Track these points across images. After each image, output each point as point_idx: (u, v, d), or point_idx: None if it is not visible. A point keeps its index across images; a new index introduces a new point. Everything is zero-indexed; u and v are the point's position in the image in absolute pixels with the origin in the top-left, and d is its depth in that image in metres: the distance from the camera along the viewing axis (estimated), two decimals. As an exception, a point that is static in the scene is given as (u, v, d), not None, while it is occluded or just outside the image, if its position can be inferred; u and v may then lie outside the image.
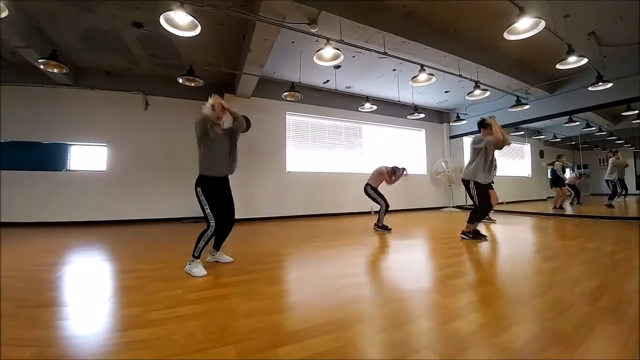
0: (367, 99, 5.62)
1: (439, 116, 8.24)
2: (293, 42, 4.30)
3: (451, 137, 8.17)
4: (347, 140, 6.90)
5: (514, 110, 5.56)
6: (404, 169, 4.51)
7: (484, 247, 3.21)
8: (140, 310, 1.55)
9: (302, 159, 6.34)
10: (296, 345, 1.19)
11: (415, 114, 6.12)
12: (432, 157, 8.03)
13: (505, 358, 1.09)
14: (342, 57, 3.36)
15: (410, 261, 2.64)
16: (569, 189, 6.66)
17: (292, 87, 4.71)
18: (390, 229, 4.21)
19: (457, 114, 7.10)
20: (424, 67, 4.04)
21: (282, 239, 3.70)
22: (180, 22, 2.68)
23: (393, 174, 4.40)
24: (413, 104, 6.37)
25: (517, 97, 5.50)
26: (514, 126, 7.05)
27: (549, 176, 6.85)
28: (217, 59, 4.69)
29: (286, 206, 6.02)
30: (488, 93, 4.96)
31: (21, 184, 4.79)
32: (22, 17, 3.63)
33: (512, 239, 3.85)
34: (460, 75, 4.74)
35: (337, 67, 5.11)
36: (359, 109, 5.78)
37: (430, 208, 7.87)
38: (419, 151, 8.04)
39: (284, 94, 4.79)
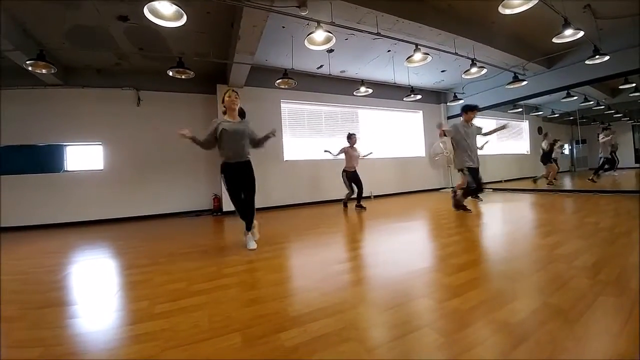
0: (362, 82, 5.52)
1: (436, 97, 8.12)
2: (284, 27, 4.18)
3: (449, 117, 8.08)
4: (343, 125, 6.82)
5: (512, 87, 5.47)
6: (353, 134, 5.00)
7: (483, 225, 3.24)
8: (146, 304, 1.58)
9: (300, 147, 6.29)
10: (299, 329, 1.21)
11: (412, 95, 6.02)
12: (430, 138, 7.96)
13: (506, 333, 1.11)
14: (334, 40, 3.27)
15: (410, 243, 2.67)
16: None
17: (285, 74, 4.61)
18: (364, 208, 4.94)
19: (455, 93, 6.99)
20: (419, 47, 3.94)
21: (282, 228, 3.72)
22: (165, 12, 2.59)
23: (350, 145, 4.91)
24: (409, 85, 6.26)
25: (515, 73, 5.39)
26: (512, 103, 6.96)
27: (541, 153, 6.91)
28: (207, 49, 4.58)
29: (286, 195, 6.03)
30: (485, 70, 4.87)
31: (21, 188, 4.79)
32: (7, 19, 3.51)
33: (511, 216, 3.87)
34: (455, 53, 4.62)
35: (330, 50, 4.99)
36: (355, 93, 5.68)
37: (429, 190, 7.88)
38: (417, 133, 7.97)
39: (277, 81, 4.70)
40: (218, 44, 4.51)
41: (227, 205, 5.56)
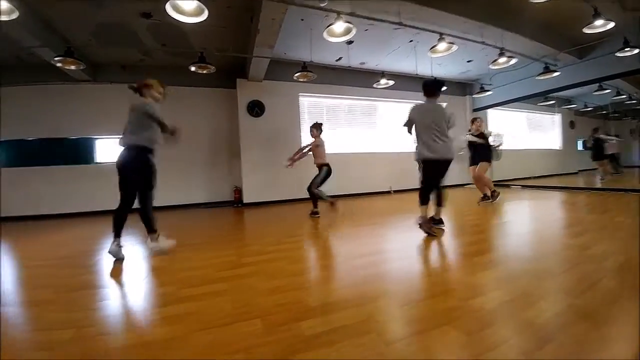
0: (383, 74, 5.38)
1: (461, 88, 7.78)
2: (302, 20, 4.14)
3: (475, 110, 7.76)
4: (363, 119, 6.72)
5: (543, 78, 5.16)
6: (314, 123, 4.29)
7: (510, 223, 3.13)
8: (173, 289, 1.66)
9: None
10: (318, 320, 1.23)
11: (435, 87, 5.81)
12: (454, 132, 7.68)
13: (530, 333, 1.07)
14: (354, 31, 3.20)
15: (432, 239, 2.61)
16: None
17: (304, 67, 4.59)
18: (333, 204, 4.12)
19: (481, 84, 6.67)
20: (443, 36, 3.78)
21: (300, 221, 3.75)
22: (186, 8, 2.64)
23: (316, 136, 4.22)
24: (432, 76, 6.05)
25: (546, 64, 5.08)
26: (544, 95, 6.57)
27: (582, 148, 6.52)
28: (227, 44, 4.64)
29: (303, 188, 6.06)
30: (514, 60, 4.59)
31: (55, 178, 5.13)
32: (34, 17, 3.69)
33: (540, 214, 3.71)
34: (483, 42, 4.41)
35: (350, 42, 4.90)
36: (375, 85, 5.56)
37: (452, 185, 7.64)
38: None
39: (296, 74, 4.69)
40: (238, 38, 4.55)
41: (248, 196, 5.69)
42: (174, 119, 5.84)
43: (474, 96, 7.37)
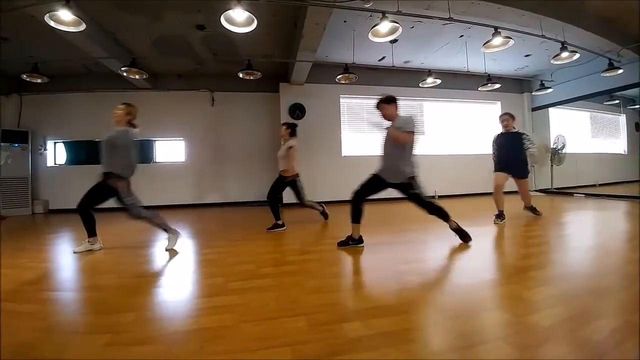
0: (430, 72, 5.12)
1: (517, 85, 7.10)
2: (345, 22, 4.16)
3: (534, 109, 7.06)
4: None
5: (607, 75, 4.54)
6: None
7: (570, 236, 2.80)
8: (221, 280, 1.77)
9: (359, 142, 6.21)
10: (361, 323, 1.22)
11: (489, 84, 5.40)
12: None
13: (586, 350, 1.00)
14: (400, 30, 3.11)
15: (483, 250, 2.43)
16: None
17: (346, 68, 4.59)
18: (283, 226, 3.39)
19: (541, 81, 6.04)
20: (499, 30, 3.50)
21: (338, 222, 3.75)
22: (238, 19, 2.81)
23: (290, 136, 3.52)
24: (486, 73, 5.61)
25: (610, 59, 4.46)
26: (608, 94, 5.76)
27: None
28: (272, 50, 4.83)
29: (342, 190, 6.04)
30: (577, 55, 4.08)
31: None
32: (100, 31, 4.16)
33: (603, 226, 3.27)
34: (543, 36, 4.00)
35: (394, 41, 4.78)
36: (420, 84, 5.33)
37: (508, 192, 6.97)
38: (493, 128, 7.15)
39: (338, 77, 4.71)
40: (281, 44, 4.72)
41: (288, 197, 5.85)
42: (223, 124, 6.28)
43: (533, 93, 6.69)
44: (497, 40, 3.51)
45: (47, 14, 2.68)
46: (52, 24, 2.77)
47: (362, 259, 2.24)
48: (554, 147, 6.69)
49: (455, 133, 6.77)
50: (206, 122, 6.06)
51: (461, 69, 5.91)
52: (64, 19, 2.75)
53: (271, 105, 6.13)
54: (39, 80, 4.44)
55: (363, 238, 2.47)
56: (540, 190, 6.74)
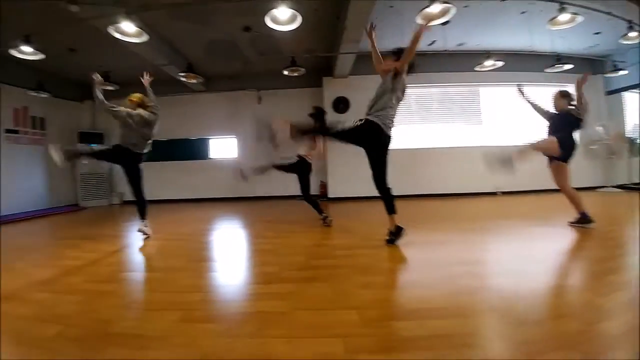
0: (489, 54, 4.58)
1: (589, 65, 6.01)
2: (391, 7, 3.98)
3: (608, 93, 6.01)
4: (460, 108, 6.03)
5: None
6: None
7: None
8: (275, 269, 1.87)
9: (406, 134, 5.93)
10: (415, 322, 1.18)
11: (556, 65, 4.71)
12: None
13: None
14: (453, 10, 2.87)
15: (552, 252, 2.16)
16: None
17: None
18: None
19: (614, 62, 5.12)
20: (564, 5, 3.03)
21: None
22: (282, 18, 2.86)
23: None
24: (554, 52, 4.89)
25: None
26: None
27: None
28: (315, 45, 4.84)
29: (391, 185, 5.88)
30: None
31: (180, 171, 6.47)
32: (160, 40, 4.56)
33: None
34: (609, 13, 3.38)
35: (445, 23, 4.42)
36: (476, 68, 4.84)
37: (582, 188, 6.01)
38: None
39: (383, 67, 4.54)
40: (324, 38, 4.70)
41: (333, 191, 5.90)
42: (269, 120, 6.50)
43: (606, 76, 5.67)
44: (564, 16, 3.06)
45: (111, 26, 2.88)
46: (117, 35, 2.98)
47: (412, 257, 2.14)
48: (633, 137, 5.63)
49: (517, 121, 6.05)
50: (254, 120, 6.36)
51: (523, 48, 5.25)
52: (127, 30, 2.96)
53: (314, 100, 6.18)
54: (110, 88, 4.92)
55: (408, 234, 2.40)
56: (618, 186, 5.72)
